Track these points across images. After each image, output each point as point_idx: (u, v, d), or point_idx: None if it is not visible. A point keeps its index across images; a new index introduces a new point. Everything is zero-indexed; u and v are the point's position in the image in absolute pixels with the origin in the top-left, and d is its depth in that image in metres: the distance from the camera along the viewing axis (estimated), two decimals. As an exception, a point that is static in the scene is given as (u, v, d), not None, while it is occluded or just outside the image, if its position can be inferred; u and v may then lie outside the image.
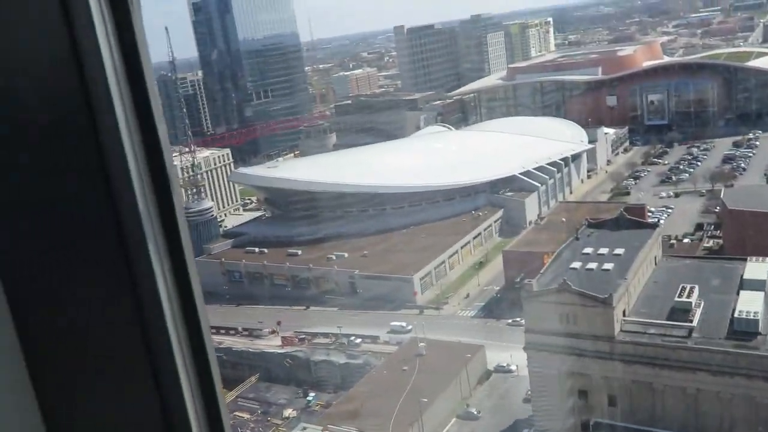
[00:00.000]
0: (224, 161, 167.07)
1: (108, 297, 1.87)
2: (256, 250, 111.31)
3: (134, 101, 1.93)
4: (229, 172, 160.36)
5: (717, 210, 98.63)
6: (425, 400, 65.47)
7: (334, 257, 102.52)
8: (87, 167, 1.82)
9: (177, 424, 2.02)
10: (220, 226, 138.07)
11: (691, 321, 51.66)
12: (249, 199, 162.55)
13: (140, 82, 1.94)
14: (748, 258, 58.90)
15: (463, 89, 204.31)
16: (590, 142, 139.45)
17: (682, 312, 52.84)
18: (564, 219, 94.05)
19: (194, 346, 2.09)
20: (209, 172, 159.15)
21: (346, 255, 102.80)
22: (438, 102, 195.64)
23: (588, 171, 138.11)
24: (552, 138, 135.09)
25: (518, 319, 77.49)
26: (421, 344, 75.76)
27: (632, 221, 69.22)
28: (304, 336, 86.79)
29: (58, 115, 1.79)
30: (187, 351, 2.06)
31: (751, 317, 49.49)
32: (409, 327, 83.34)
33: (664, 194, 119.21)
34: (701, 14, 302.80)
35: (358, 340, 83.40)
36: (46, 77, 1.79)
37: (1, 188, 1.75)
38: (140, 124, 1.94)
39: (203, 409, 2.14)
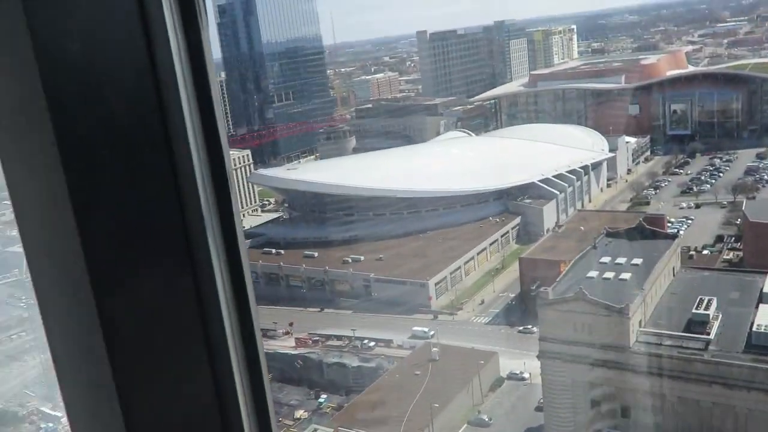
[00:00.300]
0: (245, 162, 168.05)
1: (173, 283, 2.05)
2: (273, 251, 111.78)
3: (199, 103, 2.06)
4: (249, 173, 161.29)
5: (738, 222, 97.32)
6: (437, 405, 65.25)
7: (350, 260, 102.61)
8: (159, 166, 1.97)
9: (228, 410, 2.19)
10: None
11: (709, 333, 51.01)
12: (267, 201, 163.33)
13: (205, 85, 2.07)
14: (769, 271, 58.06)
15: (484, 95, 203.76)
16: (611, 150, 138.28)
17: (699, 324, 52.21)
18: (582, 227, 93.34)
19: (245, 337, 2.25)
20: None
21: (362, 258, 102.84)
22: (458, 107, 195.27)
23: (608, 180, 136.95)
24: (572, 146, 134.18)
25: (529, 326, 77.39)
26: (434, 349, 75.52)
27: (651, 231, 68.63)
28: (317, 338, 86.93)
29: (134, 116, 1.93)
30: (238, 341, 2.22)
31: (770, 331, 48.74)
32: (432, 333, 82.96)
33: (684, 205, 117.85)
34: (728, 24, 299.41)
35: (372, 344, 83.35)
36: (124, 80, 1.90)
37: (86, 183, 1.88)
38: (203, 125, 2.08)
39: (251, 396, 2.30)
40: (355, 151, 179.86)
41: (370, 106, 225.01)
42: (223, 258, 2.16)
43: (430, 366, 72.53)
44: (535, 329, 67.67)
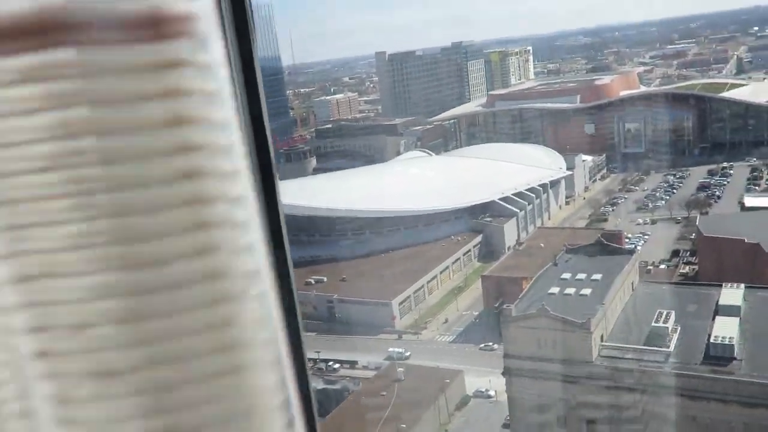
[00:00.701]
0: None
1: None
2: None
3: (250, 113, 2.22)
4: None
5: (692, 237, 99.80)
6: (404, 425, 64.86)
7: (312, 281, 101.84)
8: None
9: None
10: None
11: (668, 346, 51.95)
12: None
13: (255, 87, 2.22)
14: (723, 284, 59.50)
15: (443, 115, 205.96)
16: (568, 169, 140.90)
17: (659, 337, 53.13)
18: (542, 244, 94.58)
19: (289, 321, 2.33)
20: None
21: (324, 279, 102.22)
22: (418, 127, 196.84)
23: (566, 197, 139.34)
24: (531, 164, 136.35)
25: (490, 343, 77.81)
26: (400, 369, 75.22)
27: (610, 247, 69.74)
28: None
29: None
30: (284, 323, 2.32)
31: (727, 342, 49.92)
32: (408, 353, 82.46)
33: (641, 221, 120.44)
34: (677, 46, 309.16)
35: (336, 366, 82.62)
36: None
37: None
38: (253, 125, 2.25)
39: (297, 381, 2.36)
40: (316, 171, 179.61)
41: (329, 126, 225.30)
42: (270, 244, 2.27)
43: (395, 386, 72.16)
44: (497, 346, 68.00)
